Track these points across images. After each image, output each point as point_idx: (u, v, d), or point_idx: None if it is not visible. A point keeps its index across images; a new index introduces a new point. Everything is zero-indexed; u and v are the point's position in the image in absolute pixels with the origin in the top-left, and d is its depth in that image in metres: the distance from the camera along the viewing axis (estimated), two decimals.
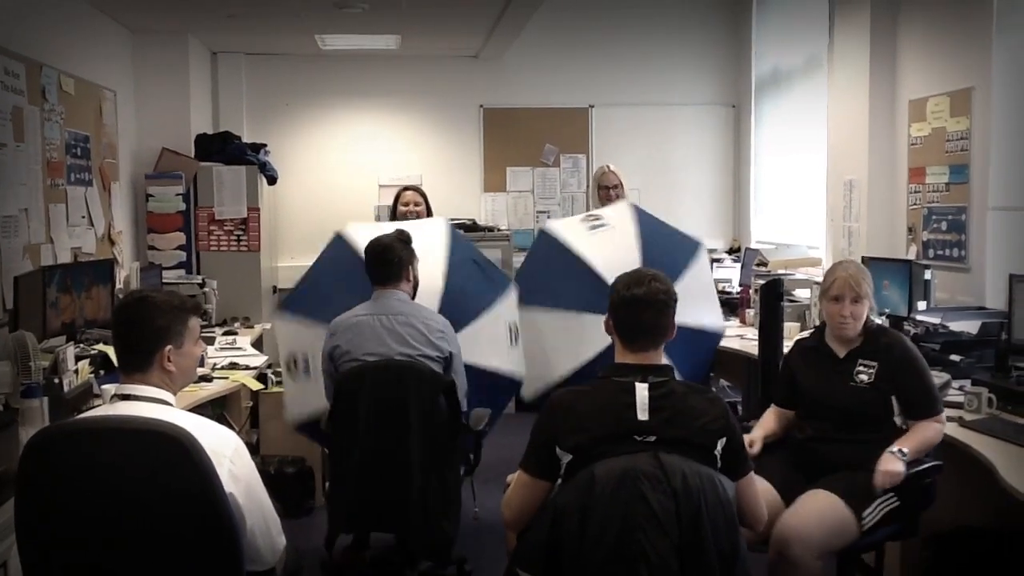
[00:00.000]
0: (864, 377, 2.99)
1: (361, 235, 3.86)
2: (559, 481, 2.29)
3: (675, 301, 2.36)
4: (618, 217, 4.41)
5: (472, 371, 3.62)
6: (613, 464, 2.11)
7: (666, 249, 4.21)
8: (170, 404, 2.16)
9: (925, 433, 2.91)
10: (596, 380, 2.35)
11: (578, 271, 4.06)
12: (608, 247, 4.13)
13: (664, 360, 2.37)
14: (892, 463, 2.79)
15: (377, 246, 3.51)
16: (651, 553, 2.06)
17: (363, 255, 3.58)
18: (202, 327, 5.62)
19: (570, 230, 4.37)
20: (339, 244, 3.97)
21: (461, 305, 3.77)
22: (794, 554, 2.67)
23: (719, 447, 2.24)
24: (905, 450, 2.83)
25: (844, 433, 2.96)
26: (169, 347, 2.16)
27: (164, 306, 2.19)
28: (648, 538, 2.06)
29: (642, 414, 2.20)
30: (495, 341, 3.84)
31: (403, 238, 3.56)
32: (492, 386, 3.80)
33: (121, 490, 1.96)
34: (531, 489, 2.31)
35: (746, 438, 2.86)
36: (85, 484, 1.97)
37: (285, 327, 3.90)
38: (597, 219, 4.44)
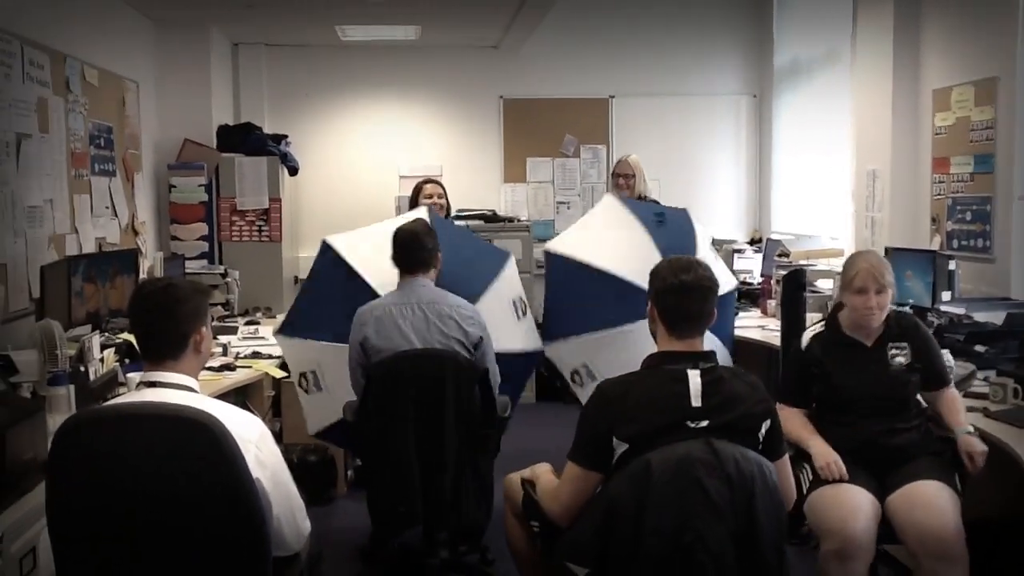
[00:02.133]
0: (901, 360, 2.99)
1: (345, 244, 3.92)
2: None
3: (717, 286, 2.39)
4: (614, 213, 4.32)
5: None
6: (668, 452, 2.12)
7: (672, 231, 4.17)
8: (196, 391, 2.18)
9: (958, 402, 3.02)
10: (644, 370, 2.36)
11: (604, 284, 3.97)
12: (622, 246, 4.05)
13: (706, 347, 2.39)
14: (977, 443, 2.85)
15: (407, 234, 3.51)
16: (709, 540, 2.07)
17: (352, 264, 3.69)
18: (225, 317, 5.69)
19: (577, 244, 4.22)
20: (327, 256, 3.93)
21: (456, 292, 3.66)
22: (959, 552, 2.65)
23: (763, 430, 2.26)
24: (971, 428, 2.91)
25: (899, 420, 2.95)
26: (204, 328, 2.21)
27: (189, 290, 2.23)
28: (706, 525, 2.08)
29: (696, 400, 2.22)
30: (501, 320, 3.80)
31: (428, 228, 3.58)
32: (507, 366, 3.76)
33: (151, 476, 1.99)
34: (583, 481, 2.30)
35: (828, 461, 2.86)
36: (116, 469, 2.00)
37: (290, 348, 3.93)
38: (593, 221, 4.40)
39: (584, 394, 4.03)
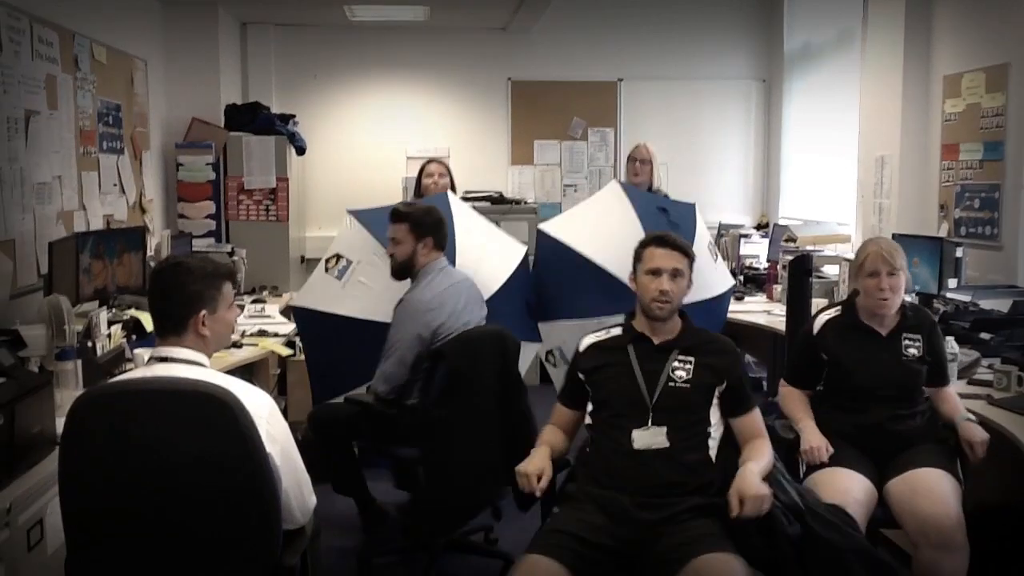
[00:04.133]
0: (914, 351, 2.99)
1: (457, 206, 4.07)
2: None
3: (692, 259, 2.71)
4: (615, 202, 4.28)
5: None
6: None
7: (669, 227, 4.17)
8: (205, 366, 2.20)
9: (955, 398, 3.06)
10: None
11: (589, 273, 3.99)
12: (614, 238, 3.93)
13: None
14: (978, 431, 2.87)
15: (434, 214, 3.62)
16: None
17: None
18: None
19: (571, 229, 4.21)
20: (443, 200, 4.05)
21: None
22: (959, 540, 2.65)
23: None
24: (971, 416, 2.94)
25: (905, 407, 2.96)
26: (203, 312, 2.20)
27: (198, 272, 2.23)
28: None
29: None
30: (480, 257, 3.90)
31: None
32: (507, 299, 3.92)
33: (168, 450, 2.02)
34: None
35: (812, 445, 2.87)
36: (132, 444, 2.02)
37: (351, 230, 3.95)
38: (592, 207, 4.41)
39: (557, 374, 4.10)
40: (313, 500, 2.27)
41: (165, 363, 2.17)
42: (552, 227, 4.26)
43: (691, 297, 3.98)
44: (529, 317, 4.11)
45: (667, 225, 4.05)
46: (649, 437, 2.56)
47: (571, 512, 2.51)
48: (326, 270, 3.87)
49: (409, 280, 3.59)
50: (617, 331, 2.75)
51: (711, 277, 4.22)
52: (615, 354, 2.68)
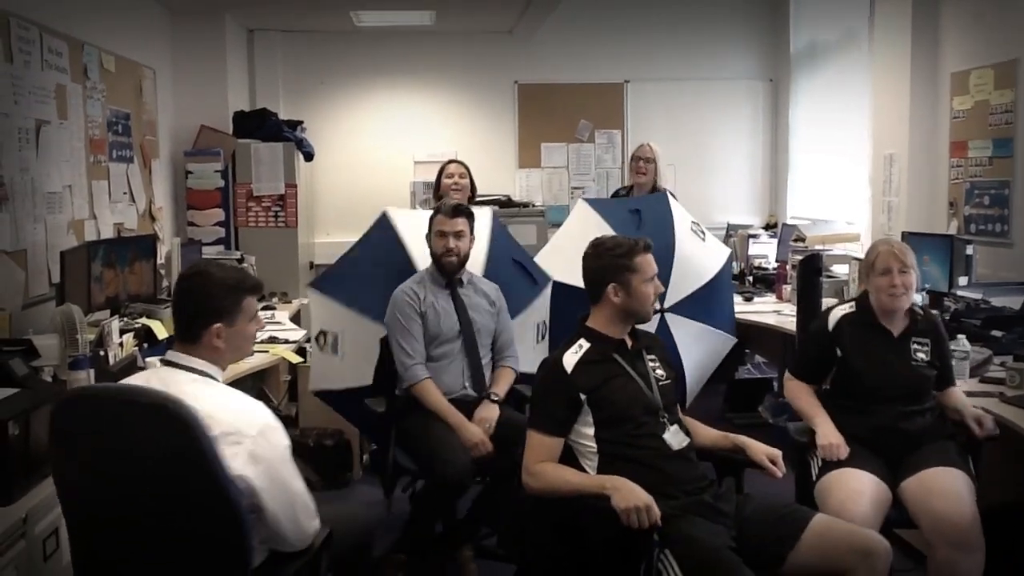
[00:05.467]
0: (922, 355, 3.00)
1: (404, 221, 3.95)
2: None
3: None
4: (585, 218, 4.28)
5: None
6: None
7: (647, 226, 4.18)
8: (210, 376, 2.19)
9: (963, 396, 3.06)
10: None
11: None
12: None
13: None
14: (980, 412, 2.91)
15: None
16: None
17: (404, 240, 3.75)
18: None
19: (553, 263, 4.16)
20: (384, 225, 3.98)
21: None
22: (975, 539, 2.65)
23: None
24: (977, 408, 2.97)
25: (913, 405, 2.96)
26: (219, 325, 2.18)
27: (220, 284, 2.20)
28: None
29: None
30: (521, 344, 3.82)
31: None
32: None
33: (122, 457, 2.01)
34: None
35: (831, 442, 2.88)
36: (92, 447, 2.05)
37: (320, 304, 3.93)
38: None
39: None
40: (314, 525, 2.20)
41: (170, 367, 2.18)
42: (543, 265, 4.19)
43: (691, 285, 3.99)
44: (522, 272, 4.07)
45: (646, 225, 4.10)
46: (675, 437, 2.60)
47: (686, 527, 2.39)
48: (320, 350, 3.89)
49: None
50: (584, 343, 2.65)
51: (703, 261, 4.25)
52: (607, 367, 2.62)
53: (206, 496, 1.97)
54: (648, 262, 2.69)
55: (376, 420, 3.58)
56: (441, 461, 3.19)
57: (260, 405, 2.17)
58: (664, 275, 3.65)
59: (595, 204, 4.41)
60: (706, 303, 4.24)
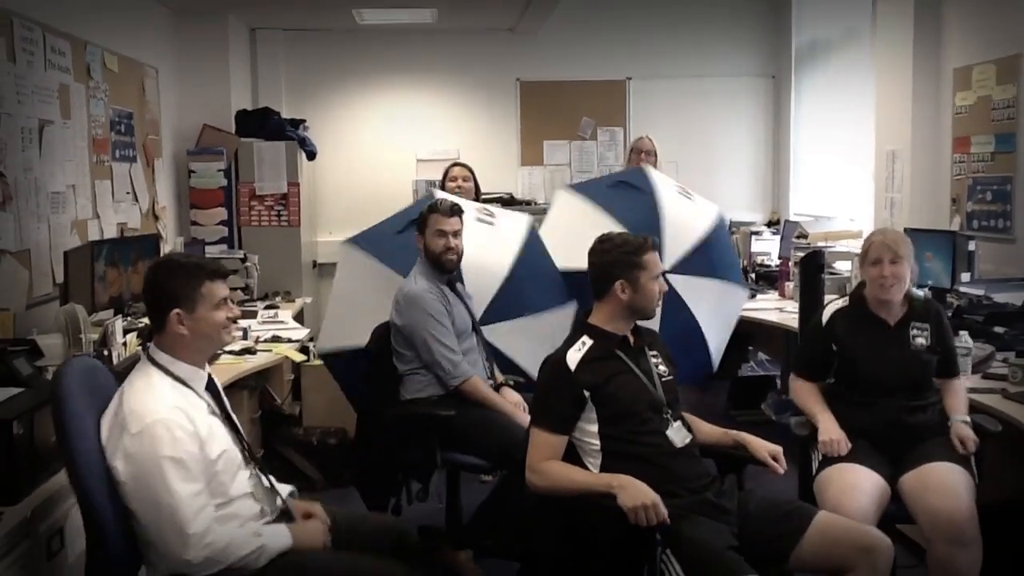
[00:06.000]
0: (922, 341, 3.00)
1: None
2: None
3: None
4: (571, 205, 4.30)
5: (502, 357, 3.77)
6: None
7: (631, 199, 4.21)
8: (159, 365, 2.25)
9: (962, 394, 3.03)
10: None
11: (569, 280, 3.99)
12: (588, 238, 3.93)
13: None
14: (970, 434, 2.87)
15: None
16: None
17: None
18: (243, 301, 5.63)
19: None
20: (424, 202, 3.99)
21: (519, 297, 3.83)
22: (971, 534, 2.65)
23: None
24: (967, 419, 2.93)
25: (916, 399, 2.96)
26: (177, 311, 2.22)
27: (177, 270, 2.26)
28: None
29: None
30: (533, 342, 3.80)
31: (428, 206, 3.65)
32: (531, 271, 3.94)
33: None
34: None
35: (832, 437, 2.89)
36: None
37: (350, 260, 3.94)
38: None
39: None
40: (189, 553, 2.08)
41: (146, 364, 2.26)
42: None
43: (686, 242, 3.93)
44: (553, 281, 4.04)
45: (630, 194, 4.10)
46: (679, 433, 2.61)
47: (688, 527, 2.39)
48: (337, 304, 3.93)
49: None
50: (587, 340, 2.64)
51: (695, 219, 4.22)
52: (611, 363, 2.62)
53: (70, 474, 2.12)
54: (655, 260, 2.69)
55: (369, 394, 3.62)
56: (518, 447, 3.21)
57: (166, 406, 2.15)
58: (656, 237, 3.61)
59: (577, 188, 4.40)
60: (706, 257, 4.19)
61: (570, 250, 3.97)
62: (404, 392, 3.52)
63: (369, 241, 3.95)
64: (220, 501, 2.19)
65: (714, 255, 4.25)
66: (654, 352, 2.74)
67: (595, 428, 2.57)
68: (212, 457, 2.19)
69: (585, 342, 2.65)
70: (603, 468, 2.54)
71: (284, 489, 2.45)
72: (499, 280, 3.84)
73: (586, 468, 2.56)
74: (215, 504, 2.17)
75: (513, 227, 4.10)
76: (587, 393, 2.56)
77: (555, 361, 2.65)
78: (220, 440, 2.25)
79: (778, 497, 2.62)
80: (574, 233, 3.81)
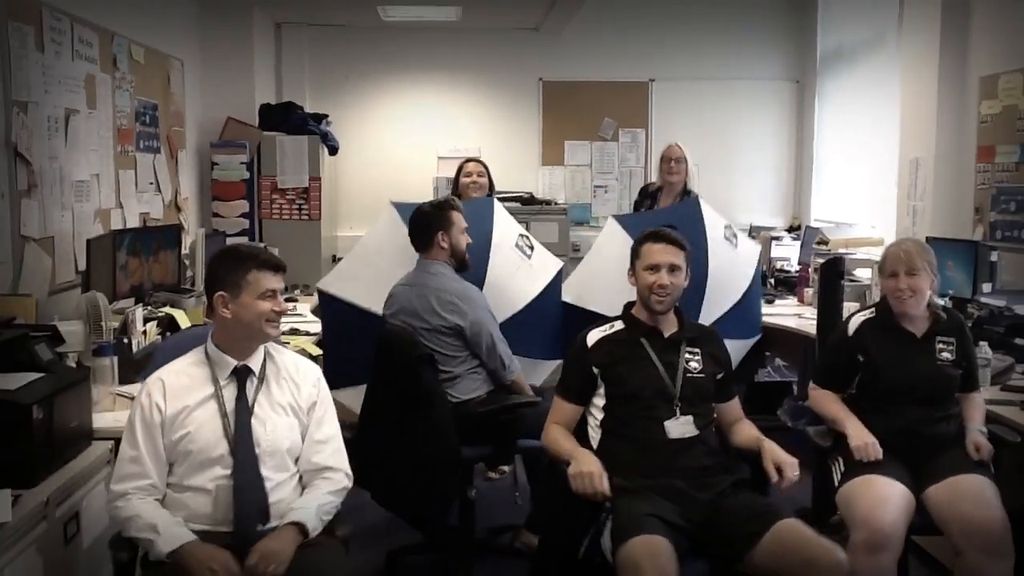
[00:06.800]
0: (947, 355, 2.98)
1: (500, 215, 4.04)
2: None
3: (688, 252, 2.92)
4: (616, 239, 4.07)
5: (518, 320, 3.76)
6: None
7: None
8: (203, 349, 2.40)
9: (982, 407, 3.03)
10: None
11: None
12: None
13: None
14: (986, 443, 2.87)
15: (415, 213, 3.63)
16: None
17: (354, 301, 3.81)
18: None
19: (587, 290, 4.04)
20: (329, 305, 4.01)
21: (518, 334, 3.74)
22: (1007, 545, 2.64)
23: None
24: (984, 428, 2.93)
25: (938, 410, 2.94)
26: (222, 294, 2.32)
27: (230, 256, 2.37)
28: None
29: None
30: (515, 272, 3.83)
31: (441, 204, 3.64)
32: (540, 315, 3.88)
33: None
34: None
35: (865, 442, 2.85)
36: None
37: (393, 221, 3.92)
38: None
39: None
40: (108, 507, 2.29)
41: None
42: (572, 294, 4.08)
43: (727, 302, 3.94)
44: (556, 335, 3.97)
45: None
46: (680, 427, 2.68)
47: (636, 502, 2.51)
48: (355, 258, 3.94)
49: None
50: (619, 325, 2.85)
51: (737, 273, 4.18)
52: (630, 347, 2.78)
53: None
54: (650, 251, 2.82)
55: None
56: None
57: (164, 371, 2.37)
58: (699, 294, 3.72)
59: (623, 221, 4.34)
60: (740, 317, 4.16)
61: (590, 291, 3.97)
62: (457, 393, 3.42)
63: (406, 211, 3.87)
64: (172, 480, 2.29)
65: (746, 314, 4.21)
66: (694, 349, 2.80)
67: (603, 403, 2.76)
68: (172, 439, 2.27)
69: (615, 325, 2.85)
70: (600, 442, 2.74)
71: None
72: (510, 312, 3.80)
73: (589, 439, 2.75)
74: (158, 481, 2.25)
75: (544, 267, 4.05)
76: (596, 370, 2.77)
77: (579, 338, 2.84)
78: (197, 428, 2.28)
79: (755, 498, 2.64)
80: (605, 273, 3.74)
